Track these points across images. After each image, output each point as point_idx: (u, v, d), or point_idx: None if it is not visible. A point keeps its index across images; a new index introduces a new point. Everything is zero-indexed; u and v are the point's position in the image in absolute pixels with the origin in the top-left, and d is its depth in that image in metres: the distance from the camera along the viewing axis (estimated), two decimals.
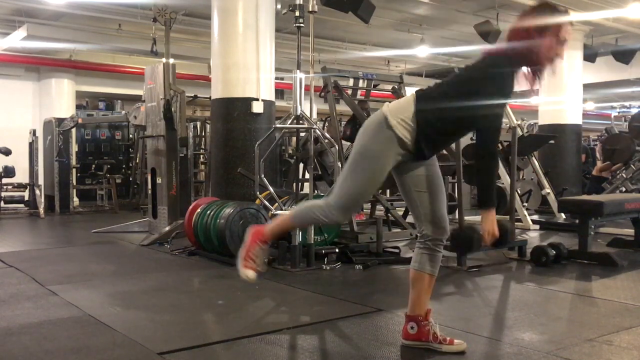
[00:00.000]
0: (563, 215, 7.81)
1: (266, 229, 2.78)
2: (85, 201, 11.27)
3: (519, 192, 8.39)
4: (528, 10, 2.65)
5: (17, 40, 10.09)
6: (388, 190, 8.29)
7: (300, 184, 6.01)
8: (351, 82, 7.34)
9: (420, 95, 2.66)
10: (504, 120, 9.37)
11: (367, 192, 2.73)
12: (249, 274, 2.68)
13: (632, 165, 8.96)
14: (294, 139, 6.86)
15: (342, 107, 7.27)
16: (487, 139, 2.62)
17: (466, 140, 4.43)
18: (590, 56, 11.02)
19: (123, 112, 12.29)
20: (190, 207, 5.78)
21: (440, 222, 2.75)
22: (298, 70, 5.33)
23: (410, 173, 2.74)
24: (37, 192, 9.48)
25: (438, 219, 2.75)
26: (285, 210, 5.06)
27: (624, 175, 8.99)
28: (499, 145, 7.49)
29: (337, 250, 5.26)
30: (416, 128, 2.58)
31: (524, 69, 2.65)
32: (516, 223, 6.14)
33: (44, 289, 4.10)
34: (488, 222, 2.59)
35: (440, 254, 2.79)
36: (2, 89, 11.50)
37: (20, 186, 9.68)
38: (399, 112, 2.62)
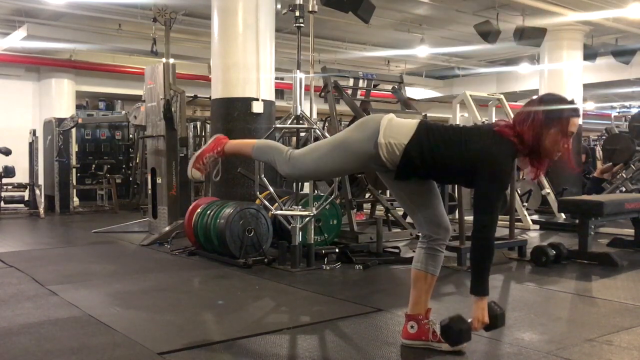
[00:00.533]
0: (563, 215, 7.81)
1: (227, 144, 2.87)
2: (85, 201, 11.27)
3: (519, 192, 8.39)
4: (535, 100, 2.59)
5: (17, 40, 10.09)
6: (388, 191, 8.28)
7: (300, 184, 6.00)
8: (351, 82, 7.34)
9: (421, 132, 2.57)
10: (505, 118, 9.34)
11: (329, 175, 2.80)
12: (195, 174, 2.84)
13: (632, 165, 8.95)
14: (294, 139, 6.86)
15: (342, 107, 7.27)
16: (482, 220, 2.54)
17: None
18: (590, 56, 11.02)
19: (123, 112, 12.29)
20: (190, 207, 5.78)
21: (440, 222, 2.75)
22: (298, 70, 5.33)
23: (399, 181, 2.73)
24: (37, 192, 9.47)
25: (437, 219, 2.75)
26: (285, 209, 5.06)
27: (624, 175, 8.99)
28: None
29: (337, 250, 5.27)
30: (400, 158, 2.56)
31: (527, 159, 2.61)
32: (516, 223, 6.14)
33: (44, 289, 4.10)
34: (478, 311, 2.57)
35: (442, 254, 2.80)
36: (2, 89, 11.50)
37: (20, 186, 9.68)
38: (393, 134, 2.57)
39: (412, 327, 2.82)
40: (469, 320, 2.63)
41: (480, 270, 2.59)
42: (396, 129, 2.59)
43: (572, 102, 2.59)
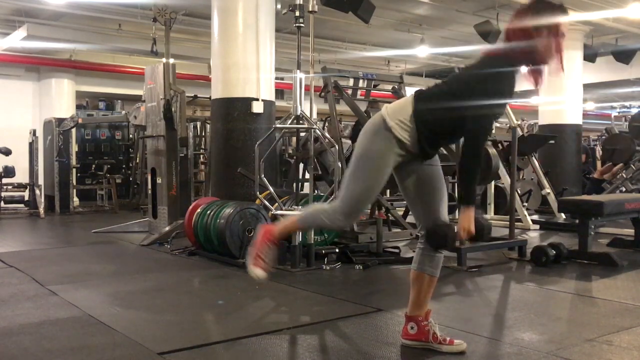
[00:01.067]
0: (563, 215, 7.81)
1: (275, 230, 2.79)
2: (85, 201, 11.26)
3: (519, 192, 8.39)
4: (523, 8, 2.61)
5: (17, 40, 10.09)
6: (388, 190, 8.28)
7: (300, 184, 6.01)
8: (351, 82, 7.34)
9: (418, 96, 2.65)
10: (504, 120, 9.35)
11: (371, 194, 2.72)
12: (259, 272, 2.71)
13: (632, 166, 8.95)
14: (294, 139, 6.86)
15: (342, 107, 7.26)
16: (474, 138, 2.60)
17: None
18: (590, 56, 11.02)
19: (123, 112, 12.29)
20: (190, 207, 5.78)
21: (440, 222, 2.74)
22: (298, 70, 5.33)
23: (411, 173, 2.73)
24: (37, 192, 9.48)
25: (438, 219, 2.74)
26: (285, 210, 5.06)
27: (624, 175, 8.99)
28: (499, 144, 7.52)
29: (337, 250, 5.26)
30: (415, 128, 2.58)
31: (525, 68, 2.62)
32: (516, 223, 6.14)
33: (44, 289, 4.10)
34: (465, 219, 2.57)
35: (441, 255, 2.79)
36: (2, 89, 11.50)
37: (20, 186, 9.68)
38: (397, 113, 2.61)
39: (412, 328, 2.82)
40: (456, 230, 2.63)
41: (471, 180, 2.61)
42: (398, 109, 2.63)
43: (560, 5, 2.60)
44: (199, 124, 10.64)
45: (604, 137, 12.28)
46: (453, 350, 2.76)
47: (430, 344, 2.77)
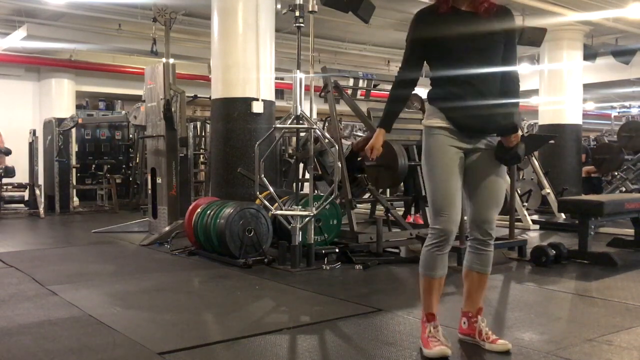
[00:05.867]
0: (563, 215, 7.81)
1: (424, 313, 2.81)
2: (85, 201, 11.27)
3: (519, 192, 8.39)
4: None
5: (17, 40, 10.09)
6: (388, 190, 8.28)
7: (300, 184, 6.01)
8: (351, 82, 7.34)
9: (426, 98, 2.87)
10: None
11: (447, 191, 2.73)
12: (439, 350, 2.69)
13: (618, 174, 8.97)
14: (294, 139, 6.86)
15: (342, 107, 7.26)
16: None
17: None
18: (590, 56, 11.01)
19: (123, 112, 12.30)
20: (190, 207, 5.78)
21: (482, 224, 2.82)
22: (298, 70, 5.33)
23: (468, 173, 2.81)
24: (37, 192, 9.47)
25: (481, 221, 2.81)
26: (285, 209, 5.06)
27: (624, 176, 9.00)
28: None
29: (337, 250, 5.26)
30: (439, 107, 2.73)
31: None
32: (516, 223, 6.14)
33: (44, 289, 4.11)
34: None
35: (489, 253, 2.88)
36: (2, 89, 11.50)
37: (20, 186, 9.68)
38: (426, 118, 2.81)
39: (464, 323, 2.89)
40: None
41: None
42: (426, 117, 2.82)
43: None
44: (199, 124, 10.64)
45: (595, 145, 12.32)
46: (495, 350, 2.76)
47: (477, 340, 2.81)
